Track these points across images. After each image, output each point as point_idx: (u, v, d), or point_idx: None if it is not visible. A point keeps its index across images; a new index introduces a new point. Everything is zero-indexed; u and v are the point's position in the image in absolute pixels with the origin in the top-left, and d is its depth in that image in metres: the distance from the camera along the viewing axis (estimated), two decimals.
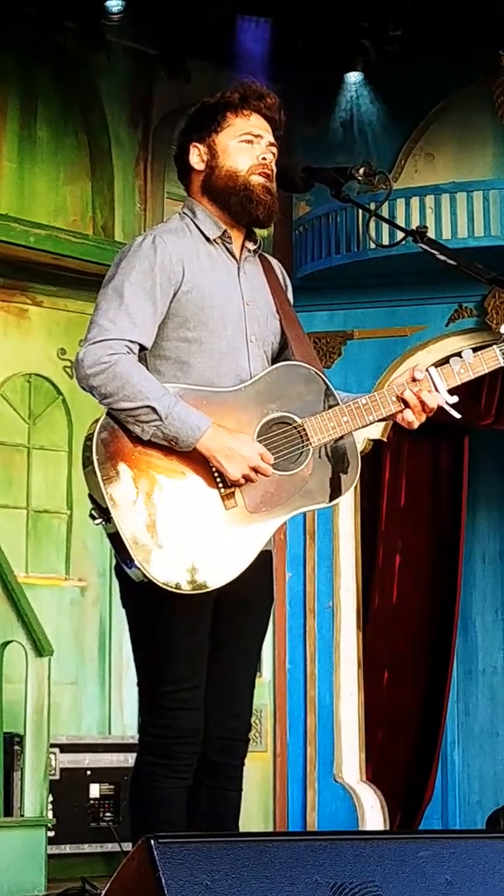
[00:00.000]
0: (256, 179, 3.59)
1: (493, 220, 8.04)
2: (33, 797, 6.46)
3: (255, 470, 3.41)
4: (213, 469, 3.42)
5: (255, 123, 3.63)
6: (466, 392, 3.67)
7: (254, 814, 8.12)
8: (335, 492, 3.55)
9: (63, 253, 7.78)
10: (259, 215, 3.61)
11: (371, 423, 3.59)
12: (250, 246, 3.69)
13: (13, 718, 6.56)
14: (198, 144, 3.63)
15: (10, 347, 7.95)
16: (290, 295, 3.78)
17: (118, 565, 3.46)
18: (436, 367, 3.60)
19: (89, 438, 3.42)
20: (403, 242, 3.65)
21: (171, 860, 2.60)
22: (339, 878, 2.72)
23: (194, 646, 3.48)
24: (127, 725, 7.69)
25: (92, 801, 7.19)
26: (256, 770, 8.11)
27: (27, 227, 7.70)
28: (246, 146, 3.60)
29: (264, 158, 3.61)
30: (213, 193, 3.62)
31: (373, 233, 7.52)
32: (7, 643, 6.56)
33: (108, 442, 3.40)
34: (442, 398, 3.58)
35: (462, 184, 8.18)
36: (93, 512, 3.43)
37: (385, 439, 8.40)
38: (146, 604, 3.45)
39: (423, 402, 3.56)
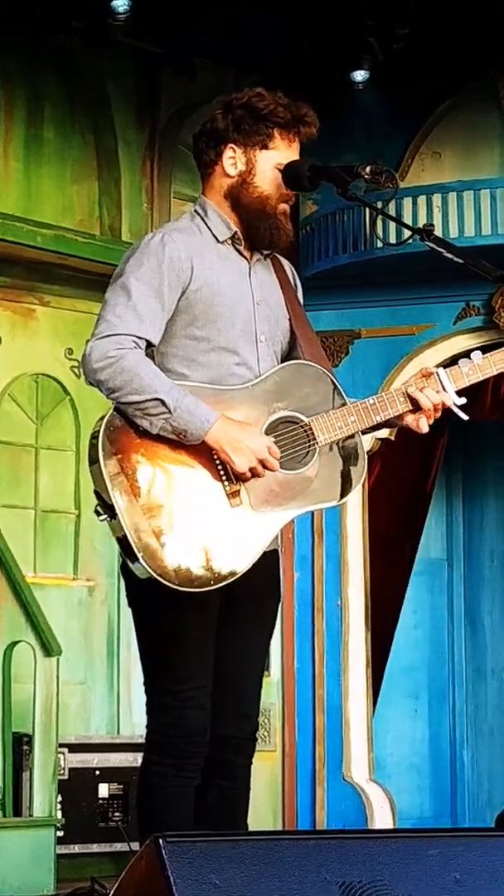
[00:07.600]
0: (282, 207, 3.61)
1: (501, 219, 8.03)
2: (42, 797, 6.46)
3: (263, 463, 3.41)
4: (219, 465, 3.42)
5: (294, 152, 3.60)
6: (474, 388, 3.66)
7: (263, 813, 8.12)
8: (341, 491, 3.56)
9: (70, 253, 7.78)
10: (279, 241, 3.64)
11: (378, 424, 3.58)
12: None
13: (22, 718, 6.56)
14: (235, 148, 3.58)
15: (18, 347, 7.94)
16: (300, 295, 3.78)
17: (124, 564, 3.46)
18: (444, 367, 3.61)
19: (95, 435, 3.42)
20: (410, 241, 3.64)
21: (179, 859, 2.60)
22: (348, 876, 2.72)
23: (200, 645, 3.48)
24: (136, 725, 7.68)
25: (101, 801, 7.19)
26: (265, 769, 8.10)
27: (34, 227, 7.70)
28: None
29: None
30: (238, 207, 3.60)
31: (380, 231, 7.51)
32: (15, 643, 6.56)
33: (113, 438, 3.41)
34: (450, 399, 3.58)
35: (469, 182, 8.17)
36: (98, 508, 3.43)
37: (393, 438, 8.36)
38: (151, 603, 3.45)
39: (430, 400, 3.56)
